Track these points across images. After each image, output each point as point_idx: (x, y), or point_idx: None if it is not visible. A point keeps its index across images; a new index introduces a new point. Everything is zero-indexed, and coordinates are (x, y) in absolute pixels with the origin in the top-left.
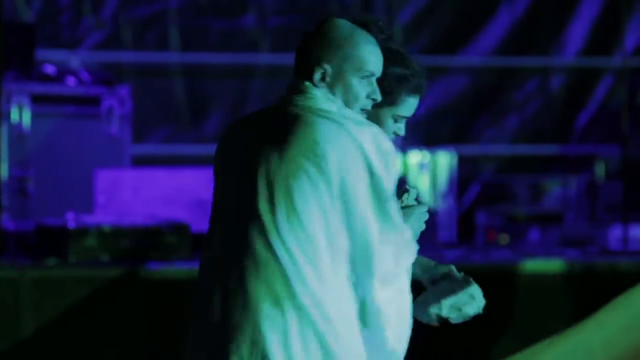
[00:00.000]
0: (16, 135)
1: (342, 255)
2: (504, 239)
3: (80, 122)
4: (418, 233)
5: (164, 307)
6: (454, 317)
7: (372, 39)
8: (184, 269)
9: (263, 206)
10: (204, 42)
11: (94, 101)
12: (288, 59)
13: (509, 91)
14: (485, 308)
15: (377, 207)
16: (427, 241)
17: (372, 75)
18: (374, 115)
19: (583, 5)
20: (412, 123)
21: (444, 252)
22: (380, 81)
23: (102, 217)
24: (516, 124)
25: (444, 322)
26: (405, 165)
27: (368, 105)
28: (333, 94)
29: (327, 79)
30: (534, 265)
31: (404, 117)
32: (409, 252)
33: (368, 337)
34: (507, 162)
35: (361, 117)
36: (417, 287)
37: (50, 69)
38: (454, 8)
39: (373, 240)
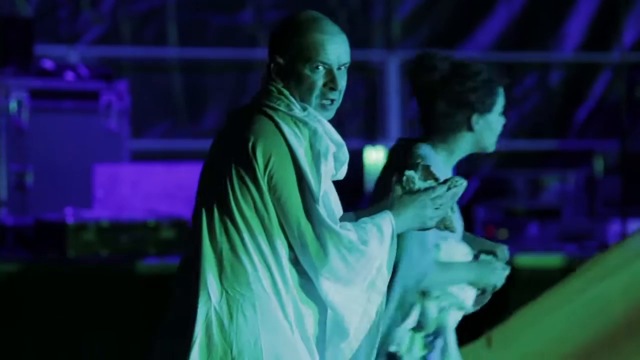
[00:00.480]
0: (15, 130)
1: (282, 249)
2: (502, 233)
3: (78, 117)
4: (422, 221)
5: (162, 302)
6: None
7: (327, 28)
8: None
9: (208, 203)
10: (202, 37)
11: (93, 96)
12: None
13: (508, 86)
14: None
15: (307, 205)
16: None
17: (325, 64)
18: (486, 123)
19: (581, 0)
20: (411, 119)
21: None
22: (466, 95)
23: (101, 212)
24: (515, 119)
25: None
26: None
27: (332, 95)
28: (288, 86)
29: (281, 72)
30: (532, 260)
31: (503, 110)
32: (354, 254)
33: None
34: (506, 157)
35: (303, 116)
36: None
37: (48, 64)
38: (453, 3)
39: (307, 239)
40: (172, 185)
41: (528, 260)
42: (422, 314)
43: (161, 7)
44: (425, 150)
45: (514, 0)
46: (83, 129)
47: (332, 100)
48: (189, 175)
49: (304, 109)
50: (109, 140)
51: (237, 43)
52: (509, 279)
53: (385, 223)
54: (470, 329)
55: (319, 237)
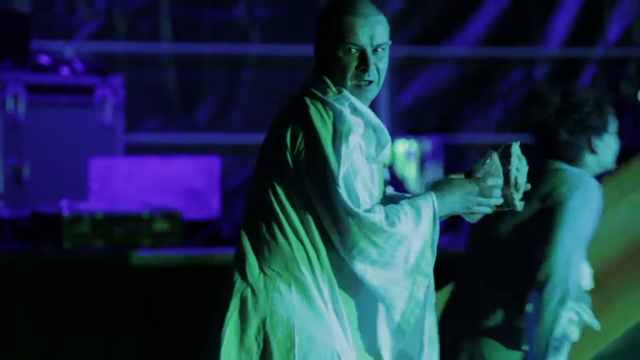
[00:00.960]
0: (11, 124)
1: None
2: None
3: (74, 112)
4: (467, 205)
5: (155, 293)
6: None
7: (358, 11)
8: (175, 255)
9: (252, 188)
10: (196, 33)
11: (88, 91)
12: (277, 49)
13: (494, 81)
14: None
15: (329, 187)
16: None
17: (357, 46)
18: (604, 143)
19: None
20: (400, 112)
21: None
22: (583, 121)
23: (96, 205)
24: (501, 113)
25: None
26: (392, 154)
27: (366, 77)
28: (327, 70)
29: (321, 56)
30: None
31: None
32: (380, 236)
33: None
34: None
35: (333, 99)
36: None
37: (44, 59)
38: None
39: (332, 220)
40: (165, 178)
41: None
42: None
43: (155, 3)
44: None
45: None
46: (78, 123)
47: (369, 82)
48: (182, 168)
49: (339, 92)
50: (104, 134)
51: (229, 38)
52: None
53: (426, 204)
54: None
55: (341, 219)
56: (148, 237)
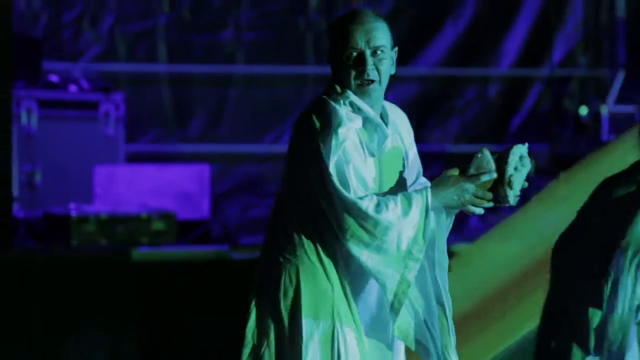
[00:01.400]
0: (25, 135)
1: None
2: None
3: (80, 124)
4: (460, 201)
5: (153, 285)
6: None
7: (358, 19)
8: (170, 251)
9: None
10: (188, 55)
11: (93, 106)
12: (261, 69)
13: (452, 97)
14: None
15: (323, 175)
16: None
17: (355, 49)
18: None
19: (517, 23)
20: None
21: None
22: None
23: (100, 207)
24: (458, 126)
25: None
26: None
27: (367, 76)
28: (337, 75)
29: (332, 64)
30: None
31: None
32: (369, 221)
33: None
34: (451, 159)
35: (332, 98)
36: None
37: (54, 78)
38: (406, 25)
39: (326, 206)
40: (161, 183)
41: (467, 248)
42: None
43: (152, 28)
44: None
45: (458, 22)
46: (84, 135)
47: (370, 81)
48: (176, 174)
49: (342, 92)
50: (107, 144)
51: (218, 60)
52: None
53: (419, 196)
54: None
55: (334, 204)
56: (147, 235)
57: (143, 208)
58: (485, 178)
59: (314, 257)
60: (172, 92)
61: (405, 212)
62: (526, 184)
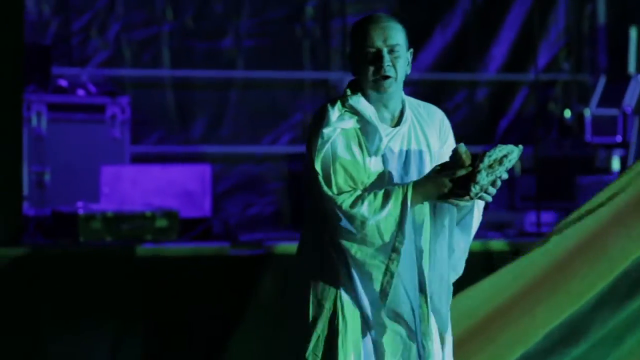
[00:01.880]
0: (35, 137)
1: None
2: None
3: (88, 127)
4: (438, 194)
5: (156, 280)
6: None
7: (374, 20)
8: (173, 248)
9: None
10: (191, 60)
11: (100, 109)
12: (259, 74)
13: (442, 101)
14: None
15: (313, 173)
16: None
17: (372, 48)
18: None
19: (503, 31)
20: None
21: None
22: None
23: (106, 205)
24: None
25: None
26: None
27: (383, 73)
28: (358, 74)
29: (351, 66)
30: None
31: None
32: (347, 216)
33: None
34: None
35: (331, 102)
36: None
37: (63, 83)
38: None
39: (318, 202)
40: (165, 183)
41: None
42: None
43: (157, 35)
44: None
45: (447, 29)
46: (92, 137)
47: (386, 77)
48: (179, 174)
49: (352, 94)
50: (113, 145)
51: (219, 65)
52: None
53: (399, 191)
54: None
55: (321, 199)
56: (151, 232)
57: (147, 206)
58: (460, 173)
59: (317, 253)
60: (175, 96)
61: (383, 205)
62: (499, 183)
